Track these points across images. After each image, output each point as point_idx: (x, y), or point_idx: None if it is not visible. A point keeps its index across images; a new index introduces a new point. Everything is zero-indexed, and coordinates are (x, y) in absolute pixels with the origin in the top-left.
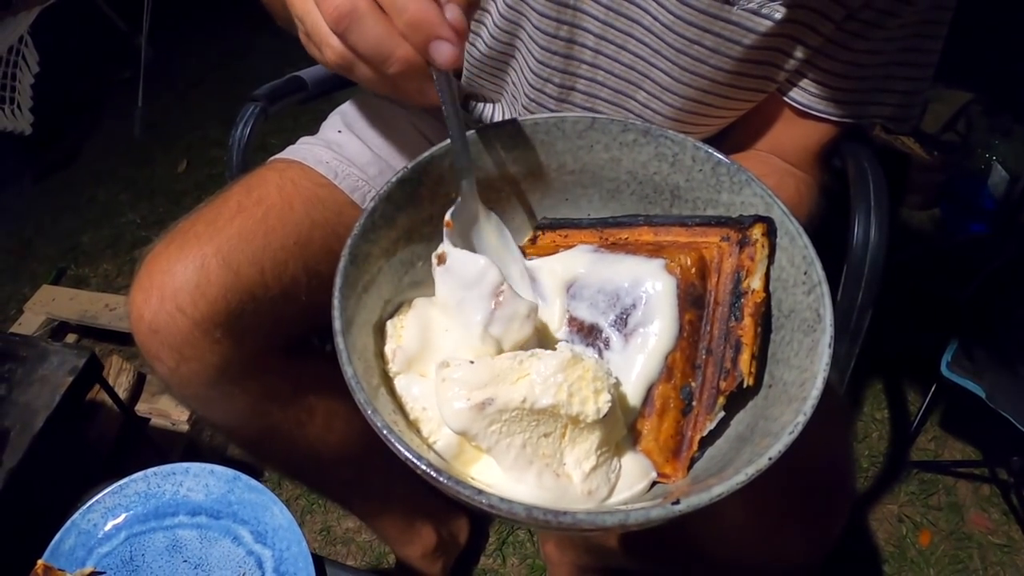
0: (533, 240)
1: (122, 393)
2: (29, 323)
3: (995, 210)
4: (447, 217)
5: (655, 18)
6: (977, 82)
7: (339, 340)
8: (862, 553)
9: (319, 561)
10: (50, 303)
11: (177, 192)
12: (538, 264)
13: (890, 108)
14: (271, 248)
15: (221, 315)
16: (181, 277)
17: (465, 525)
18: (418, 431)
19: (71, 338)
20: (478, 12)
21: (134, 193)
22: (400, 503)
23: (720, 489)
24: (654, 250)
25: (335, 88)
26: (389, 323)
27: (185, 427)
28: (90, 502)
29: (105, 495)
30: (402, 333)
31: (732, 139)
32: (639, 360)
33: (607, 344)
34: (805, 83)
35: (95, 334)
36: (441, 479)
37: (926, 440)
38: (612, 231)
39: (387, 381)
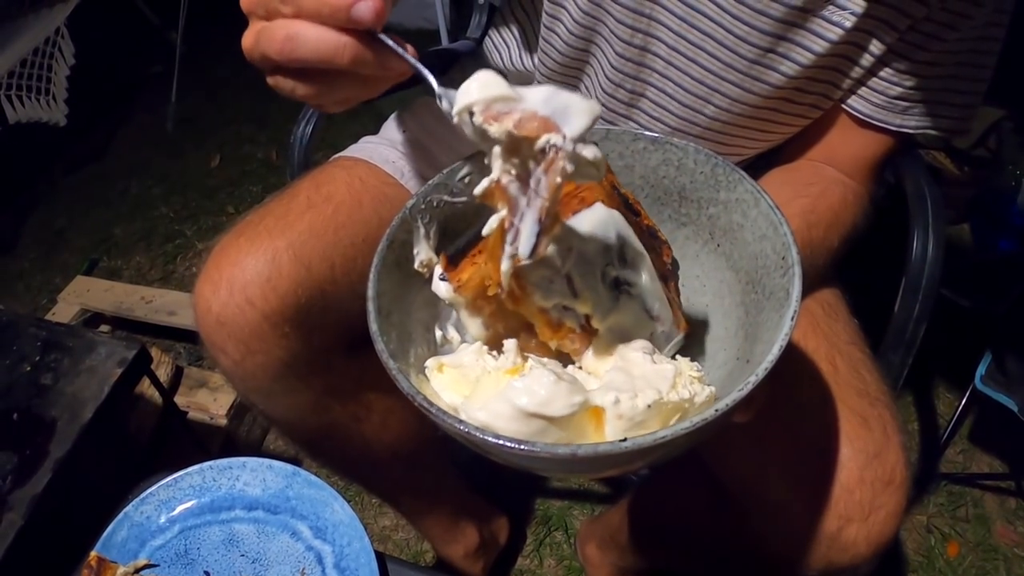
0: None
1: None
2: (63, 313)
3: None
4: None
5: (728, 31)
6: (1009, 99)
7: (370, 305)
8: (891, 562)
9: (380, 557)
10: (84, 294)
11: (210, 187)
12: None
13: (947, 120)
14: (341, 244)
15: (291, 309)
16: (252, 270)
17: (505, 525)
18: None
19: (104, 330)
20: (554, 12)
21: (167, 187)
22: (447, 503)
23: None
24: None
25: (395, 89)
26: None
27: (223, 421)
28: (143, 494)
29: (159, 488)
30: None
31: (787, 149)
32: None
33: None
34: (865, 91)
35: (128, 326)
36: (536, 449)
37: (955, 452)
38: None
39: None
